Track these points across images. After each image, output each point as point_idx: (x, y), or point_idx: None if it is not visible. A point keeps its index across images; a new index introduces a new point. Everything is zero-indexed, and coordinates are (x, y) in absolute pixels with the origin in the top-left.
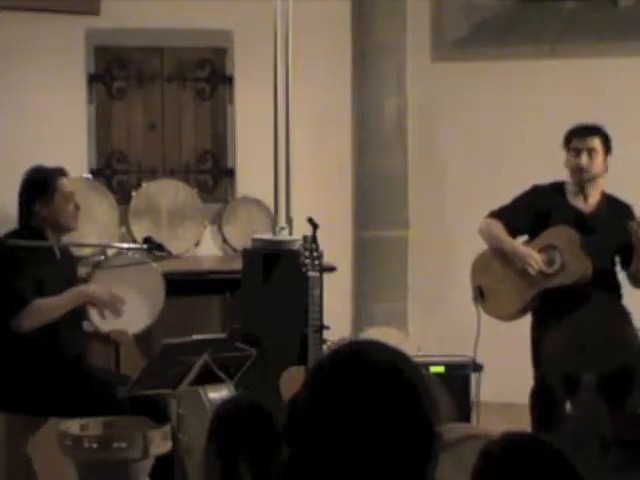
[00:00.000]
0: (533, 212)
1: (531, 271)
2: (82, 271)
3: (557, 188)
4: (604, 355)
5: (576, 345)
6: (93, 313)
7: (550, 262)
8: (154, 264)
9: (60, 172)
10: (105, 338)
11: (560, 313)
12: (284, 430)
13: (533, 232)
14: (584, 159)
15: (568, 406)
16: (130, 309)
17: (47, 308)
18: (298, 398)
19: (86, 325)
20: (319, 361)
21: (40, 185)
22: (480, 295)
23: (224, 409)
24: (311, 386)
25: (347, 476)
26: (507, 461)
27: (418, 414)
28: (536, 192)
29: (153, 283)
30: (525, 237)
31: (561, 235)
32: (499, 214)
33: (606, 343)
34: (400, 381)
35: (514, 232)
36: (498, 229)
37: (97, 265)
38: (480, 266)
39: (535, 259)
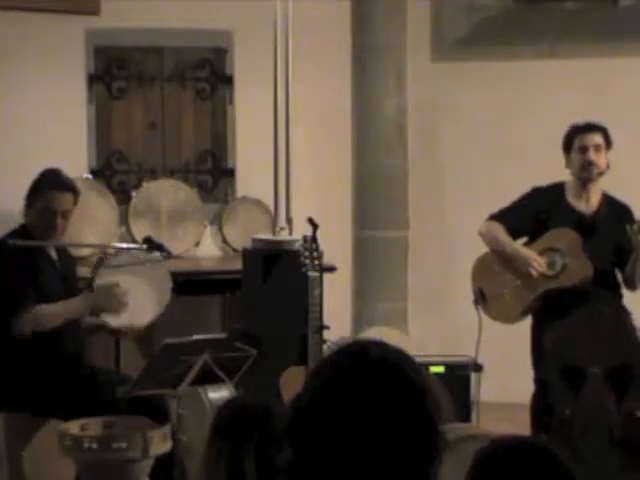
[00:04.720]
0: (533, 214)
1: (533, 273)
2: (82, 271)
3: (557, 190)
4: (609, 349)
5: (585, 338)
6: (104, 315)
7: (551, 264)
8: (162, 261)
9: (60, 185)
10: (114, 330)
11: (560, 314)
12: (286, 431)
13: (533, 234)
14: (592, 154)
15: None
16: (137, 302)
17: (51, 315)
18: (300, 398)
19: (91, 319)
20: (321, 361)
21: (32, 189)
22: (481, 298)
23: (229, 409)
24: (313, 386)
25: (351, 476)
26: (498, 467)
27: (421, 413)
28: (536, 194)
29: (160, 277)
30: (524, 239)
31: (562, 237)
32: (499, 217)
33: (611, 338)
34: (403, 380)
35: (515, 234)
36: (499, 232)
37: (102, 263)
38: (481, 269)
39: (538, 262)
